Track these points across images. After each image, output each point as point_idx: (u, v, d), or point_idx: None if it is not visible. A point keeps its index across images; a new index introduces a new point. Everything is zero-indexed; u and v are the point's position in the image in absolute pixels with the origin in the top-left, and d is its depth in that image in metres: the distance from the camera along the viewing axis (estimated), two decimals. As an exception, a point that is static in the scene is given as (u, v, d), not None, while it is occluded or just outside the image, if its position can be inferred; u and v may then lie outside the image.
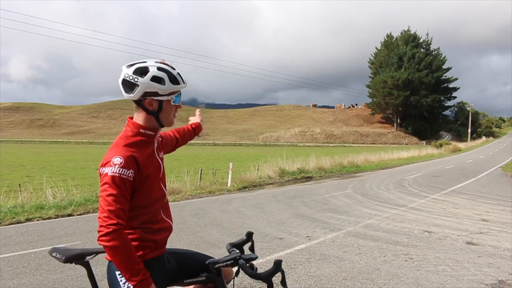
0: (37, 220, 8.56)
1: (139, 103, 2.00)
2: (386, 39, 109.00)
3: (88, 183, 14.32)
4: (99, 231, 1.77)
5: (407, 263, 5.52)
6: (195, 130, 2.79)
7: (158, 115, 2.01)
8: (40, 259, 5.67)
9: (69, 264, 2.16)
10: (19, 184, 11.03)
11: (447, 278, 4.91)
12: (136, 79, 1.93)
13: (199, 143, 76.27)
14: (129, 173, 1.85)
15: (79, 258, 2.14)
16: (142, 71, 1.94)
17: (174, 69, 2.02)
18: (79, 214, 9.24)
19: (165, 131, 2.51)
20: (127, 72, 1.95)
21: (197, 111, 2.94)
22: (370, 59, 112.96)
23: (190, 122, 2.85)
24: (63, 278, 4.89)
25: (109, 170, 1.83)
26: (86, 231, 7.48)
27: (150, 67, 1.96)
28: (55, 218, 8.85)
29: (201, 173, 14.69)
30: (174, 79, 1.98)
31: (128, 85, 1.96)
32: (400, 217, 8.95)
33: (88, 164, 24.75)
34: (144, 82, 1.93)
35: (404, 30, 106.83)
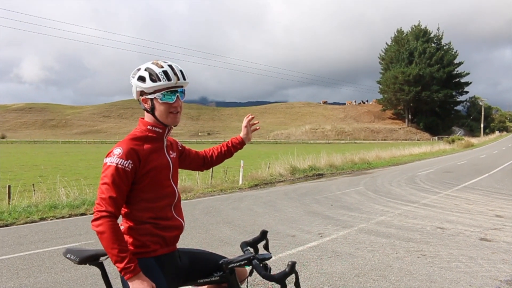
0: (50, 219, 8.67)
1: (140, 102, 2.11)
2: (396, 34, 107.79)
3: (100, 182, 14.42)
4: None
5: (420, 259, 5.48)
6: (236, 146, 2.61)
7: (154, 113, 2.07)
8: (54, 258, 5.75)
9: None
10: (33, 184, 11.18)
11: (461, 274, 4.87)
12: (131, 81, 2.08)
13: (209, 141, 76.42)
14: (126, 164, 1.93)
15: (93, 259, 2.14)
16: (135, 73, 2.07)
17: (162, 67, 2.03)
18: (92, 213, 9.31)
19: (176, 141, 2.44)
20: (131, 75, 2.09)
21: (245, 119, 2.68)
22: (380, 55, 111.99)
23: (241, 134, 2.65)
24: (77, 276, 4.96)
25: (108, 160, 1.95)
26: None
27: (141, 68, 2.06)
28: (68, 217, 8.96)
29: (212, 171, 14.73)
30: (154, 77, 2.01)
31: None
32: (412, 213, 8.89)
33: (100, 164, 24.83)
34: (133, 83, 2.07)
35: (414, 25, 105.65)
